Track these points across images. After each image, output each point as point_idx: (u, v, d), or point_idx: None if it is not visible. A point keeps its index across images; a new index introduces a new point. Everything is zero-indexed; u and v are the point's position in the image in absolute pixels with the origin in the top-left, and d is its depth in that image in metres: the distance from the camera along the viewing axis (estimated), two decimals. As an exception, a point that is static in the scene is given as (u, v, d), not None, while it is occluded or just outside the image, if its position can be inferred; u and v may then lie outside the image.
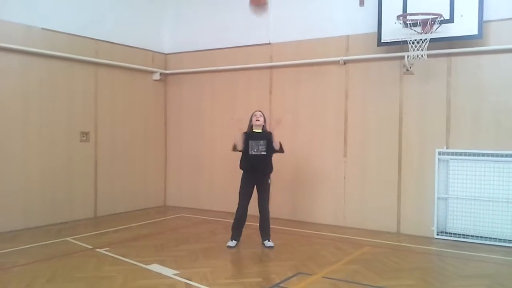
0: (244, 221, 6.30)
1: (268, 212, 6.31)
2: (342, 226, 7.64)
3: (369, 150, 7.50)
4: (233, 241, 6.27)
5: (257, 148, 6.13)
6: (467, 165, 6.70)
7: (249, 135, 6.20)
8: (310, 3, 8.06)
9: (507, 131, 6.49)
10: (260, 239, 6.40)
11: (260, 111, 6.37)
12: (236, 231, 6.30)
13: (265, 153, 6.16)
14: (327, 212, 7.86)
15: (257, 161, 6.15)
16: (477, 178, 6.64)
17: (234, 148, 6.22)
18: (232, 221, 6.36)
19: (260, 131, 6.24)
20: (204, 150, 9.26)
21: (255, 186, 6.28)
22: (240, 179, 6.33)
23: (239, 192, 6.31)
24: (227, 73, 8.97)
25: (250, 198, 6.28)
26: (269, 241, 6.27)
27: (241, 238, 6.36)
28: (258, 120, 6.23)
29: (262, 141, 6.15)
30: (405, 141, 7.20)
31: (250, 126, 6.28)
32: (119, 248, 6.16)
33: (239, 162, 6.36)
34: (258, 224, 6.38)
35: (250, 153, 6.14)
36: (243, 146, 6.15)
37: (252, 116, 6.31)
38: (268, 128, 6.41)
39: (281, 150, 6.22)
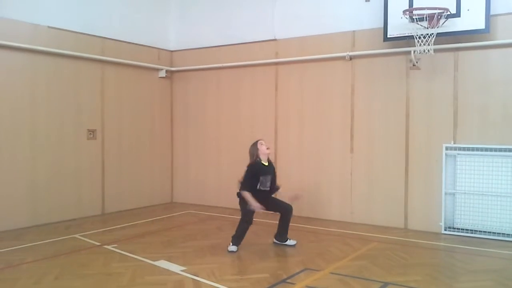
0: None
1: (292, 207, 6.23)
2: (349, 222, 7.63)
3: (376, 146, 7.48)
4: (236, 246, 5.99)
5: (265, 185, 6.08)
6: (475, 160, 6.66)
7: (260, 170, 6.02)
8: (315, -1, 8.05)
9: (515, 125, 6.46)
10: (263, 236, 6.35)
11: (262, 139, 6.23)
12: (241, 239, 6.05)
13: (269, 188, 6.14)
14: (334, 208, 7.85)
15: (263, 194, 6.06)
16: (484, 173, 6.61)
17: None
18: (236, 228, 6.04)
19: (267, 163, 6.15)
20: (210, 147, 9.27)
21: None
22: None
23: (246, 209, 5.94)
24: (232, 69, 8.97)
25: None
26: (290, 239, 6.24)
27: None
28: (269, 148, 6.15)
29: (269, 176, 6.11)
30: (412, 136, 7.17)
31: (256, 156, 6.07)
32: (127, 244, 6.19)
33: (240, 185, 6.04)
34: (279, 223, 6.23)
35: (258, 187, 6.02)
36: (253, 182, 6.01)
37: (257, 144, 6.12)
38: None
39: (276, 189, 6.30)
